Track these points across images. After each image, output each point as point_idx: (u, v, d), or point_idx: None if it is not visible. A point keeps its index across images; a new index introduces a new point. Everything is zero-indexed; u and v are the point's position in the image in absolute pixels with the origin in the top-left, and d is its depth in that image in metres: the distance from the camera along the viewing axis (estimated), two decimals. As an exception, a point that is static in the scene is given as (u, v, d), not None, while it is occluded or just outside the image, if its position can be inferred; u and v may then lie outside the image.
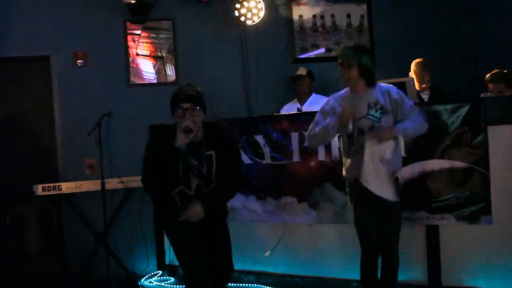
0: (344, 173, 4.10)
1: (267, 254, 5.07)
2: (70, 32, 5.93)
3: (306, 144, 4.63)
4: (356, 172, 3.92)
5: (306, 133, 4.81)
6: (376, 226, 3.95)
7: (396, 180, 3.94)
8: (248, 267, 5.23)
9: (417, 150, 4.36)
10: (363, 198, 3.94)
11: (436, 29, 6.60)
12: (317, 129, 4.06)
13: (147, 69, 6.14)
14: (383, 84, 4.06)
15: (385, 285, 4.05)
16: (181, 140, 3.63)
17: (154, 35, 6.17)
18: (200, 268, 3.72)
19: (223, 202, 3.89)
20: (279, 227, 5.11)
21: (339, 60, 3.99)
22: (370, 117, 3.93)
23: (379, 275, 4.07)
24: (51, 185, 5.35)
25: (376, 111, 3.93)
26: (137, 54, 6.10)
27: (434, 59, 5.92)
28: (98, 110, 5.63)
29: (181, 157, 3.64)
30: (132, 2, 5.81)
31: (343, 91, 4.12)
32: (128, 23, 6.08)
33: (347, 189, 4.09)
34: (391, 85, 4.06)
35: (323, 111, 4.10)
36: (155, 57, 6.17)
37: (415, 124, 3.94)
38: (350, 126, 3.91)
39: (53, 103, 5.91)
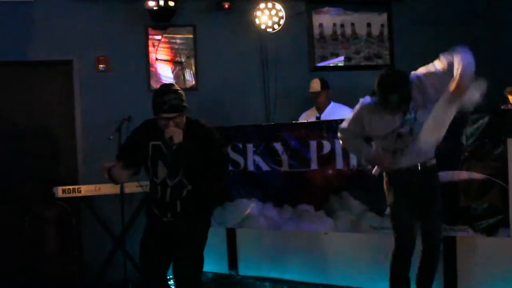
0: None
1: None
2: (92, 37, 5.99)
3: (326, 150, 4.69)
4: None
5: (324, 142, 4.88)
6: (414, 216, 3.97)
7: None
8: (264, 273, 5.26)
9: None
10: (401, 186, 3.98)
11: (456, 40, 6.56)
12: (349, 141, 4.15)
13: (165, 73, 6.19)
14: (412, 76, 3.93)
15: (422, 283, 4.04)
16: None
17: (173, 41, 6.22)
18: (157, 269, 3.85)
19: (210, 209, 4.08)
20: (294, 234, 5.13)
21: (388, 109, 3.84)
22: (407, 122, 3.88)
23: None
24: (71, 187, 5.41)
25: (411, 113, 3.88)
26: (156, 59, 6.16)
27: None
28: (119, 114, 5.66)
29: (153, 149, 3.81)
30: (155, 8, 5.86)
31: (372, 101, 4.01)
32: (149, 29, 6.15)
33: (385, 179, 4.10)
34: (418, 73, 3.95)
35: (355, 120, 4.08)
36: (174, 62, 6.22)
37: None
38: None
39: (74, 106, 5.98)
